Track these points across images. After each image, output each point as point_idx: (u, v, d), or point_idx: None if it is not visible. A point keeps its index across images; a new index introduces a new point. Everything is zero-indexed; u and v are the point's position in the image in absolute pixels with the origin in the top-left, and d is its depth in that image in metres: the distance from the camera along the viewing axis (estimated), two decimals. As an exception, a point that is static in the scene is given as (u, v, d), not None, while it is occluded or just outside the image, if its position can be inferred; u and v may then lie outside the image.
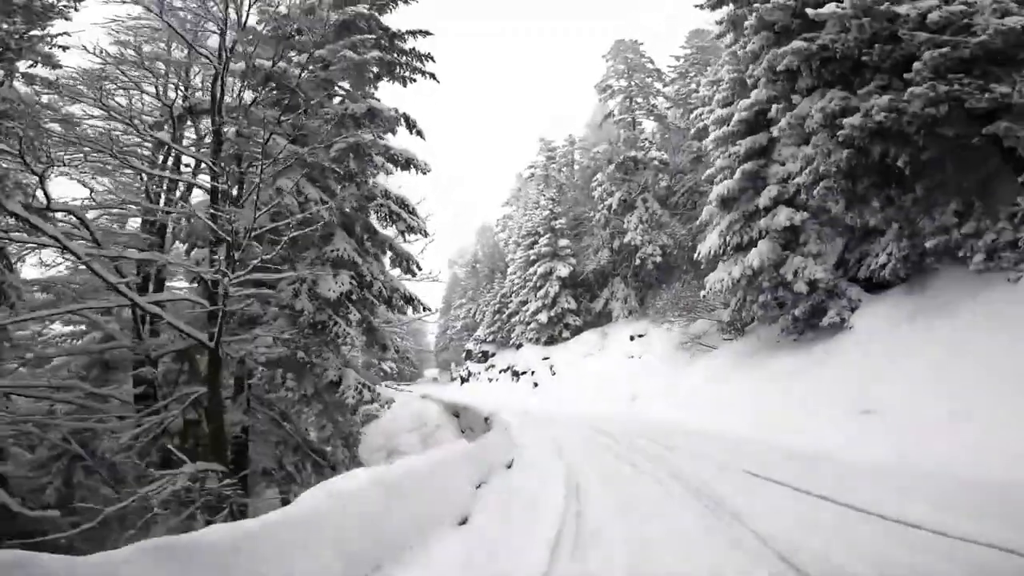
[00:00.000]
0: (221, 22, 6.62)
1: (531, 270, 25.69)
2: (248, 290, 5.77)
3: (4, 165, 5.80)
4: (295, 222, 6.00)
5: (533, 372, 22.91)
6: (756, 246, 11.69)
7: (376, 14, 10.97)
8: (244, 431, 7.34)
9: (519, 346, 25.98)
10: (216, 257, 5.57)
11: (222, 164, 6.30)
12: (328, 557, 2.21)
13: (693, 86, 26.97)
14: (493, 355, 28.64)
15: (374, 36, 9.36)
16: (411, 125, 10.69)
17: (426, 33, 11.88)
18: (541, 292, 24.77)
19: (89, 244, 5.10)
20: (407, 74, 11.37)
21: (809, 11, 7.26)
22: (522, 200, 37.26)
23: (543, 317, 24.50)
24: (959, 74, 6.35)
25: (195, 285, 7.24)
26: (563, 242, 25.83)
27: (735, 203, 12.73)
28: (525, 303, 26.03)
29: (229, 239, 5.10)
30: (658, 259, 22.98)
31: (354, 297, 7.44)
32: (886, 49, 7.15)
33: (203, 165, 7.00)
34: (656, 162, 24.79)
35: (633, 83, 28.87)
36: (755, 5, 8.13)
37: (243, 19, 6.93)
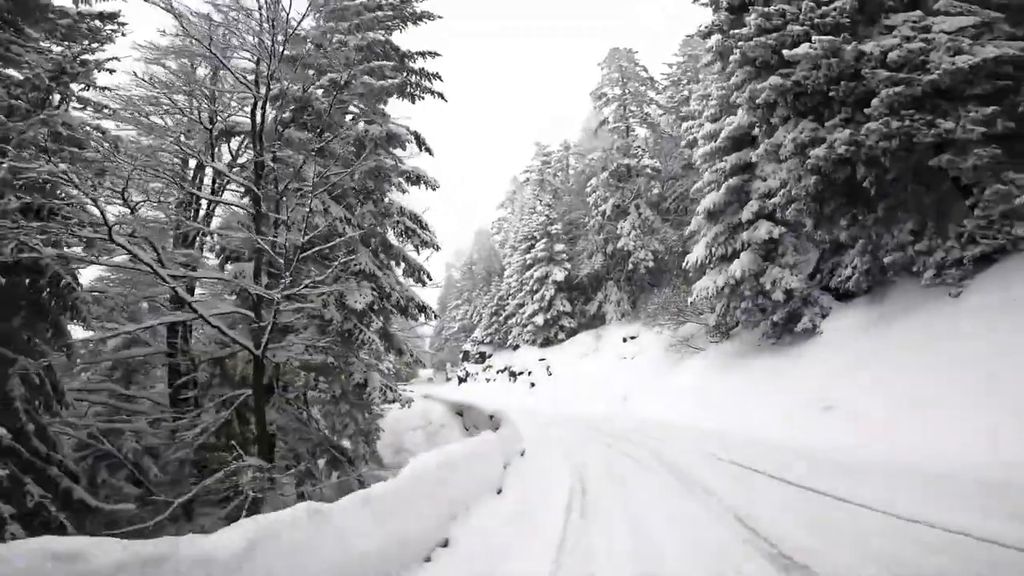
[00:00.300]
0: (263, 53, 7.41)
1: (528, 274, 26.57)
2: (294, 304, 6.57)
3: (72, 191, 6.51)
4: (322, 238, 6.80)
5: (530, 372, 23.78)
6: (739, 257, 12.66)
7: (388, 37, 11.79)
8: (273, 430, 8.12)
9: (516, 347, 26.85)
10: (260, 274, 6.35)
11: (263, 187, 7.09)
12: (426, 507, 3.11)
13: (685, 93, 27.97)
14: (490, 356, 29.48)
15: (392, 63, 10.14)
16: (420, 143, 11.51)
17: (435, 54, 12.68)
18: (537, 295, 25.68)
19: (155, 261, 5.86)
20: (416, 92, 12.20)
21: (785, 52, 8.20)
22: (518, 203, 38.19)
23: (539, 319, 25.41)
24: (911, 110, 7.32)
25: (232, 297, 8.00)
26: (559, 247, 26.74)
27: (721, 215, 13.69)
28: (522, 306, 26.91)
29: (282, 259, 5.90)
30: (650, 264, 23.98)
31: (375, 307, 8.27)
32: (850, 86, 8.11)
33: (238, 185, 7.77)
34: (648, 170, 25.77)
35: (627, 91, 29.83)
36: (739, 44, 9.03)
37: (281, 50, 7.69)
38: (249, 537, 2.18)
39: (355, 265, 8.11)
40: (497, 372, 26.90)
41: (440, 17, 13.27)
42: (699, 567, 3.01)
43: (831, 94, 8.10)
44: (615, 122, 28.23)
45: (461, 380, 29.58)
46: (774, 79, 8.46)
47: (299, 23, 7.87)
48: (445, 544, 3.17)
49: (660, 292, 22.13)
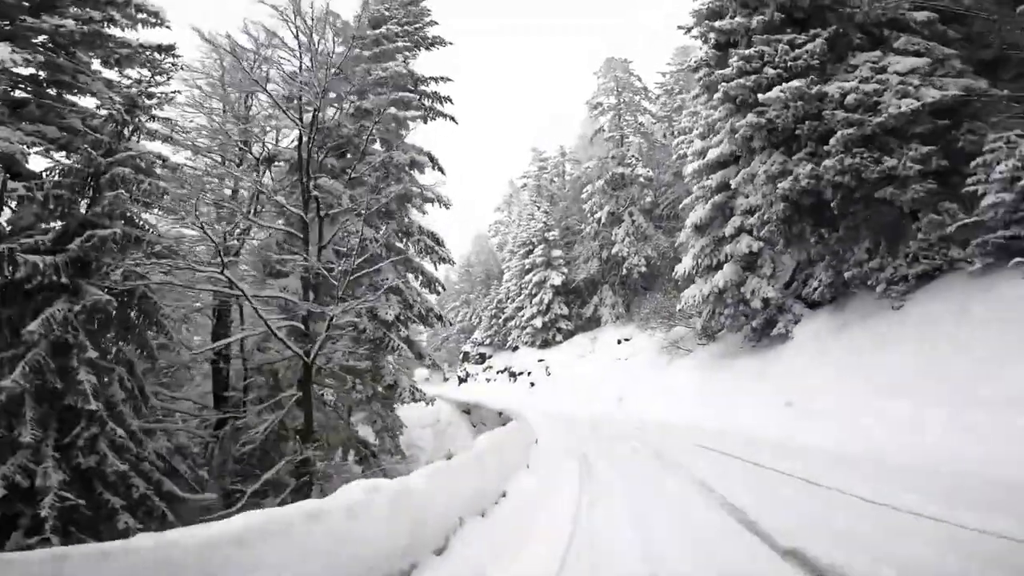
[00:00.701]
0: (306, 89, 8.57)
1: (526, 278, 27.85)
2: (344, 318, 7.76)
3: (149, 218, 7.64)
4: (364, 261, 7.99)
5: (530, 373, 25.03)
6: (722, 268, 13.97)
7: (406, 66, 12.93)
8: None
9: (515, 348, 28.11)
10: (308, 290, 7.53)
11: (308, 212, 8.27)
12: (493, 471, 4.41)
13: (678, 102, 29.35)
14: (490, 357, 30.70)
15: (416, 95, 11.31)
16: (434, 162, 12.73)
17: (447, 79, 13.89)
18: (536, 299, 26.96)
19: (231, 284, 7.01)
20: (429, 115, 13.39)
21: (760, 96, 9.49)
22: (515, 208, 39.50)
23: (538, 322, 26.69)
24: (862, 148, 8.65)
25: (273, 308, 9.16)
26: (556, 252, 28.01)
27: (707, 229, 14.99)
28: (521, 309, 28.17)
29: (335, 281, 7.09)
30: (643, 269, 25.30)
31: (401, 317, 9.45)
32: (813, 124, 9.44)
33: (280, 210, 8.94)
34: (642, 178, 27.07)
35: (622, 100, 31.13)
36: (722, 83, 10.31)
37: (324, 87, 8.83)
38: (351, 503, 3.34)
39: (383, 280, 9.31)
40: (497, 372, 28.11)
41: (451, 43, 14.52)
42: (670, 508, 4.26)
43: (797, 132, 9.42)
44: (610, 131, 29.45)
45: (461, 380, 30.78)
46: (751, 117, 9.78)
47: (341, 61, 9.02)
48: (504, 495, 4.46)
49: (652, 296, 23.48)
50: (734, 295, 13.64)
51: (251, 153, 9.16)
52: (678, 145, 22.07)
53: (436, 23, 14.35)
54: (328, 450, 9.90)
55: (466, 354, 33.72)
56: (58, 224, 6.43)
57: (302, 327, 7.62)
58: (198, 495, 7.02)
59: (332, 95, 10.26)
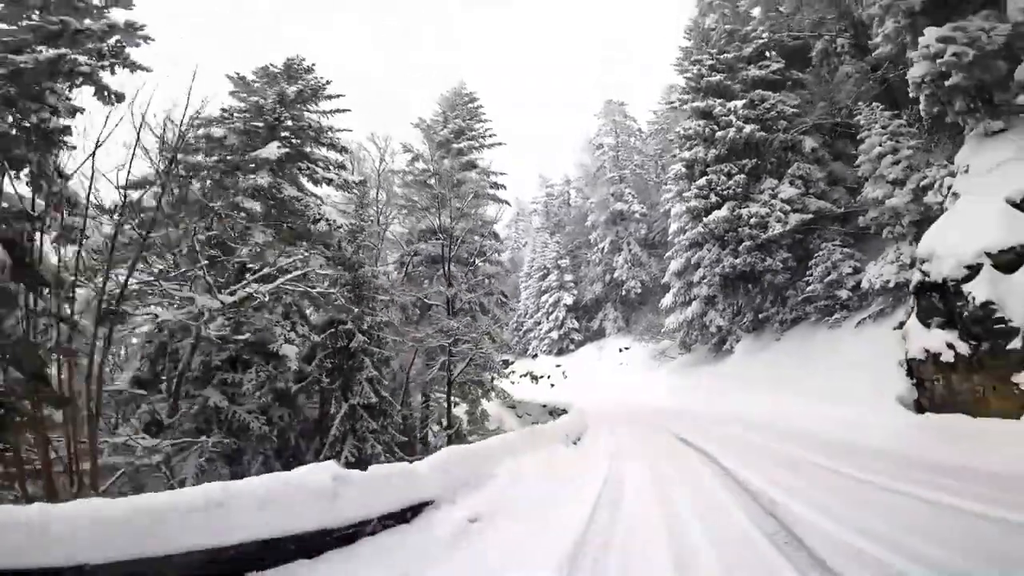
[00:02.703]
0: (444, 215, 15.69)
1: (543, 298, 35.15)
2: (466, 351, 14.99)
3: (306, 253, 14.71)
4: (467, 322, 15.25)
5: (549, 376, 32.21)
6: (691, 304, 21.27)
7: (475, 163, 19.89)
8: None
9: (535, 356, 35.36)
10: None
11: (449, 287, 15.47)
12: (571, 431, 11.57)
13: (670, 137, 36.59)
14: (512, 363, 37.88)
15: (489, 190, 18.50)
16: (497, 238, 19.89)
17: (503, 173, 20.98)
18: (552, 316, 34.29)
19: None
20: (491, 202, 20.50)
21: (705, 219, 16.81)
22: (521, 224, 47.06)
23: (554, 335, 34.01)
24: (756, 250, 15.98)
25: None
26: (567, 277, 35.33)
27: (682, 274, 22.27)
28: (539, 323, 35.47)
29: (464, 328, 14.34)
30: (639, 290, 32.64)
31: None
32: (733, 234, 16.77)
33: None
34: (637, 215, 34.37)
35: (619, 141, 38.47)
36: (686, 201, 17.56)
37: (458, 207, 15.96)
38: (445, 456, 10.44)
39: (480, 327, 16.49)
40: (520, 376, 35.29)
41: (504, 144, 21.54)
42: (662, 446, 11.39)
43: (726, 237, 16.75)
44: (610, 172, 36.67)
45: (487, 382, 38.03)
46: (701, 227, 17.11)
47: (470, 198, 16.17)
48: (577, 441, 11.51)
49: (646, 313, 30.76)
50: (699, 323, 20.97)
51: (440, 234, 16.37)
52: (666, 188, 29.12)
53: (490, 120, 21.20)
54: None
55: (489, 360, 40.90)
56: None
57: (447, 358, 14.79)
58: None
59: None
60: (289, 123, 13.16)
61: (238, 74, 14.02)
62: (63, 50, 7.07)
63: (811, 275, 14.65)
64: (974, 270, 6.86)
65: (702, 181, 17.42)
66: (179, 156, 10.48)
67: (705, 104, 18.56)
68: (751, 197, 16.89)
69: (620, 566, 3.48)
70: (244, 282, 9.03)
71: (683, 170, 19.14)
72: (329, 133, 13.96)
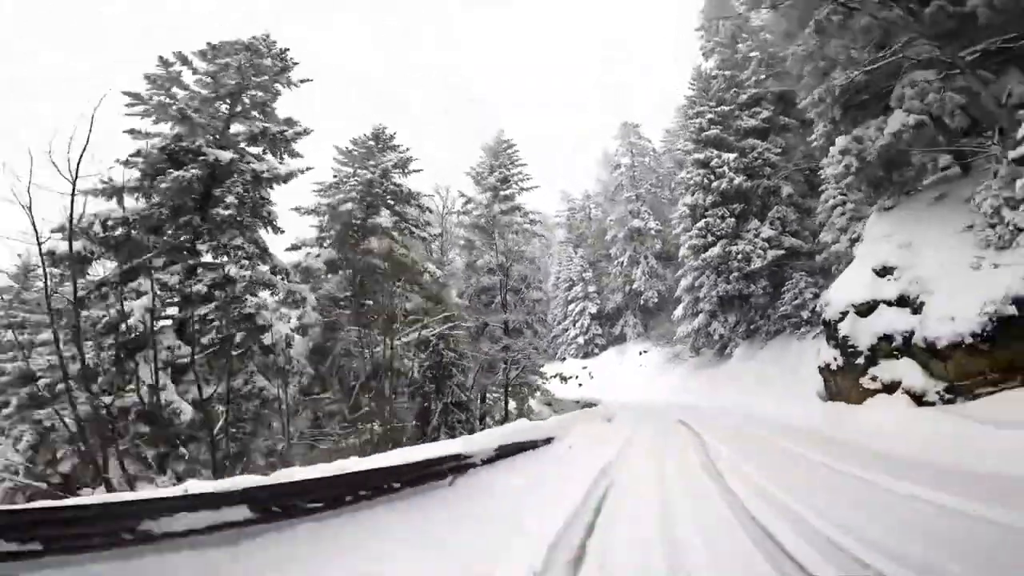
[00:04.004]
0: (499, 270, 21.05)
1: (570, 307, 40.38)
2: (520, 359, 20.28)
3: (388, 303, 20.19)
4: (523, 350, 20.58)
5: (577, 377, 37.43)
6: (699, 315, 26.28)
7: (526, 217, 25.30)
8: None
9: (563, 359, 40.58)
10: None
11: (506, 312, 20.75)
12: (604, 412, 16.78)
13: (677, 179, 41.32)
14: (542, 365, 43.22)
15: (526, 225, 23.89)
16: (535, 262, 25.19)
17: (539, 213, 26.29)
18: (578, 324, 39.51)
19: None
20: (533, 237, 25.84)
21: (703, 255, 21.92)
22: (553, 246, 52.16)
23: (580, 340, 39.23)
24: (742, 279, 21.04)
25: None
26: (591, 288, 40.52)
27: (692, 290, 27.29)
28: (566, 330, 40.72)
29: (516, 342, 19.57)
30: (655, 300, 37.61)
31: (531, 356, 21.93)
32: (724, 265, 21.82)
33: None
34: (653, 231, 39.31)
35: (635, 162, 43.41)
36: (691, 239, 22.63)
37: (509, 266, 21.35)
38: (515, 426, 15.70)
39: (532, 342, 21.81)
40: (551, 377, 40.59)
41: (539, 186, 26.81)
42: (664, 424, 16.50)
43: (720, 268, 21.81)
44: (627, 191, 41.68)
45: (519, 383, 43.49)
46: (700, 260, 22.20)
47: (518, 236, 21.57)
48: (610, 420, 16.63)
49: (662, 320, 35.70)
50: (705, 331, 25.99)
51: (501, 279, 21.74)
52: (677, 222, 34.07)
53: (526, 164, 26.43)
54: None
55: (520, 363, 46.32)
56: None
57: (503, 365, 20.13)
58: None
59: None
60: (391, 188, 18.65)
61: (341, 147, 19.77)
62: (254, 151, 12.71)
63: (783, 299, 19.65)
64: (844, 315, 11.86)
65: (701, 223, 22.49)
66: (327, 221, 16.17)
67: (704, 155, 23.58)
68: (739, 236, 21.87)
69: (632, 464, 8.76)
70: (415, 327, 14.54)
71: (687, 211, 24.23)
72: (418, 197, 19.49)
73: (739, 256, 21.06)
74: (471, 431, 18.35)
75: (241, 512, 3.56)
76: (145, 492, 5.56)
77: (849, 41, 13.86)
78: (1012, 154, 8.67)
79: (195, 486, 3.93)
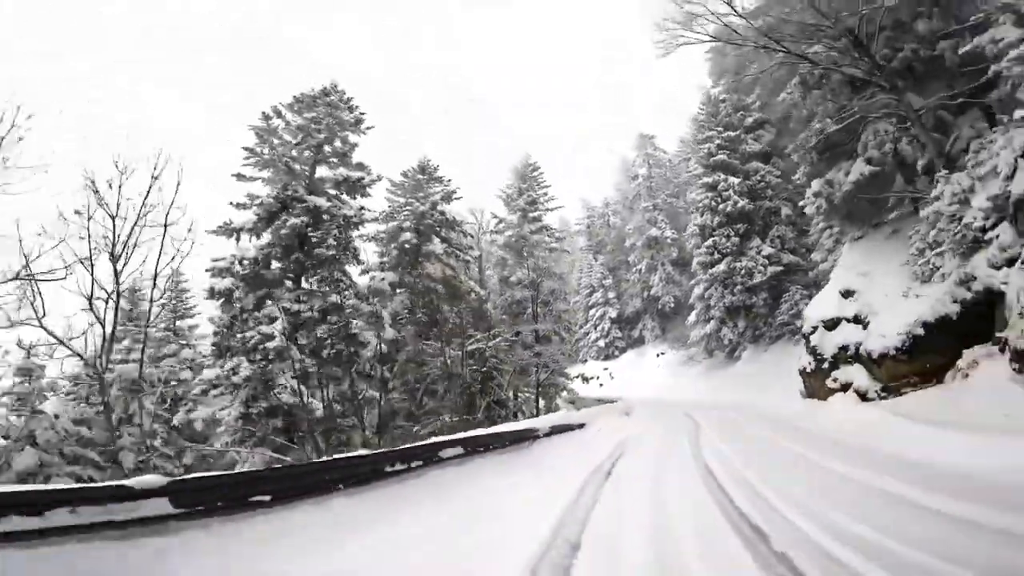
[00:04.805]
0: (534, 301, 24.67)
1: (591, 312, 43.82)
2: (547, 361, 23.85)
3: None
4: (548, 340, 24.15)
5: (598, 377, 40.87)
6: (711, 321, 29.54)
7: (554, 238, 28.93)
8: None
9: (585, 361, 44.05)
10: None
11: (537, 322, 24.37)
12: (624, 407, 20.30)
13: (689, 199, 44.42)
14: (564, 367, 46.81)
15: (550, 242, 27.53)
16: (563, 278, 28.81)
17: (563, 231, 29.87)
18: (599, 328, 42.93)
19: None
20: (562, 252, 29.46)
21: (711, 270, 25.29)
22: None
23: (601, 343, 42.66)
24: (746, 292, 24.32)
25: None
26: (611, 294, 43.93)
27: (703, 299, 30.54)
28: (588, 333, 44.18)
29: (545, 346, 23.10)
30: (672, 304, 40.82)
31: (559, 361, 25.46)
32: (731, 279, 25.12)
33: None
34: (669, 240, 42.50)
35: (652, 172, 46.62)
36: (700, 255, 25.95)
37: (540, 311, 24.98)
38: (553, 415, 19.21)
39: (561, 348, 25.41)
40: (572, 377, 44.12)
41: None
42: (673, 416, 19.91)
43: (727, 281, 25.12)
44: (644, 201, 44.91)
45: (543, 384, 47.13)
46: (709, 275, 25.54)
47: (547, 253, 25.21)
48: (628, 413, 20.08)
49: (678, 324, 38.92)
50: (716, 336, 29.26)
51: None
52: (691, 234, 37.26)
53: (550, 185, 29.97)
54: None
55: (544, 364, 49.96)
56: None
57: (535, 368, 23.70)
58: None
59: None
60: (439, 219, 22.38)
61: (392, 180, 23.51)
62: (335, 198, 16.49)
63: (781, 309, 22.89)
64: (814, 329, 15.17)
65: (709, 242, 25.79)
66: (387, 247, 19.99)
67: (712, 179, 26.86)
68: (743, 253, 25.12)
69: (642, 439, 12.30)
70: (469, 340, 18.25)
71: (696, 230, 27.54)
72: (461, 225, 23.21)
73: (743, 272, 24.33)
74: (510, 425, 22.09)
75: (456, 451, 7.26)
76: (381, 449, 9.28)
77: (827, 93, 17.23)
78: (922, 213, 11.93)
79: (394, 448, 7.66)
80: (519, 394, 26.80)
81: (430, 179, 24.12)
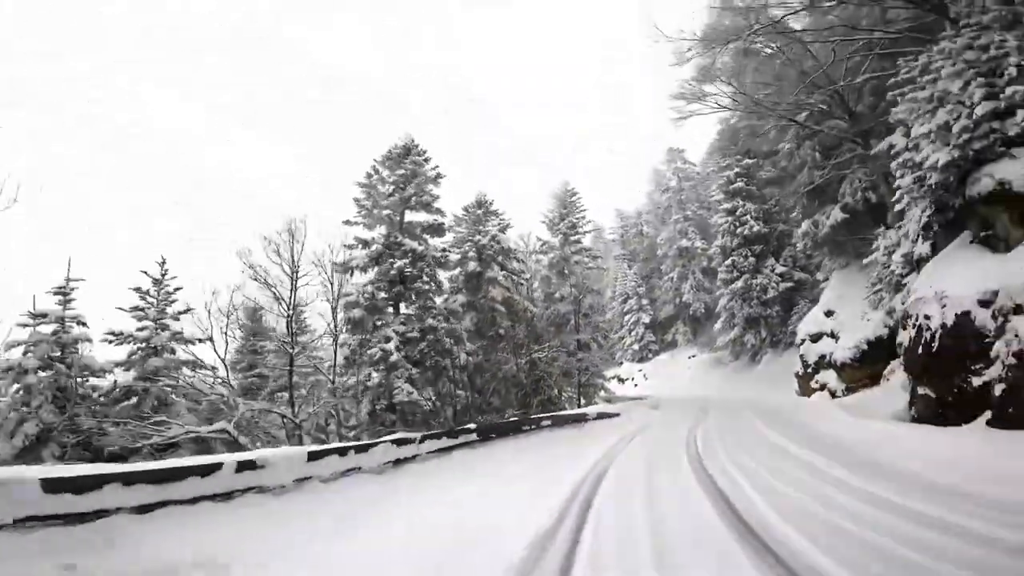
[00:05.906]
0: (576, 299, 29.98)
1: (626, 318, 48.72)
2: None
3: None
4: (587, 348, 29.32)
5: (633, 378, 45.82)
6: (734, 329, 34.09)
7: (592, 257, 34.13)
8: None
9: (621, 363, 48.98)
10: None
11: (580, 334, 29.60)
12: (652, 401, 25.37)
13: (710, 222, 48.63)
14: (603, 370, 51.81)
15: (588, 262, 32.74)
16: (599, 293, 33.93)
17: (598, 252, 35.00)
18: (633, 332, 47.80)
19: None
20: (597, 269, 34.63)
21: (730, 286, 30.05)
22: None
23: (636, 347, 47.52)
24: (761, 305, 28.98)
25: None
26: (644, 301, 48.72)
27: (727, 309, 35.08)
28: (623, 338, 49.10)
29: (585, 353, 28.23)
30: (703, 310, 45.26)
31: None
32: (748, 295, 29.79)
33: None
34: (699, 249, 46.91)
35: (681, 185, 51.09)
36: (722, 274, 30.66)
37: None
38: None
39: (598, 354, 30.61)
40: (609, 378, 49.09)
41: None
42: (691, 409, 24.78)
43: (745, 296, 29.80)
44: (675, 213, 49.41)
45: (583, 384, 52.25)
46: (730, 290, 30.27)
47: (588, 271, 30.52)
48: (656, 408, 25.09)
49: (708, 329, 43.37)
50: (740, 341, 33.82)
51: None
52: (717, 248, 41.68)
53: (586, 209, 35.06)
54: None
55: (583, 366, 55.12)
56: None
57: (576, 372, 28.93)
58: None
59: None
60: (498, 248, 27.91)
61: (455, 214, 29.10)
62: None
63: (791, 320, 27.44)
64: (803, 341, 19.91)
65: (728, 262, 30.46)
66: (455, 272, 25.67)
67: (731, 205, 31.47)
68: (759, 271, 29.66)
69: (660, 423, 17.47)
70: (529, 352, 23.76)
71: (718, 250, 32.24)
72: (515, 253, 28.74)
73: (758, 288, 28.95)
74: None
75: (547, 423, 12.71)
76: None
77: (816, 144, 22.01)
78: (865, 260, 16.63)
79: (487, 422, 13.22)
80: (563, 392, 32.12)
81: (487, 213, 29.64)
